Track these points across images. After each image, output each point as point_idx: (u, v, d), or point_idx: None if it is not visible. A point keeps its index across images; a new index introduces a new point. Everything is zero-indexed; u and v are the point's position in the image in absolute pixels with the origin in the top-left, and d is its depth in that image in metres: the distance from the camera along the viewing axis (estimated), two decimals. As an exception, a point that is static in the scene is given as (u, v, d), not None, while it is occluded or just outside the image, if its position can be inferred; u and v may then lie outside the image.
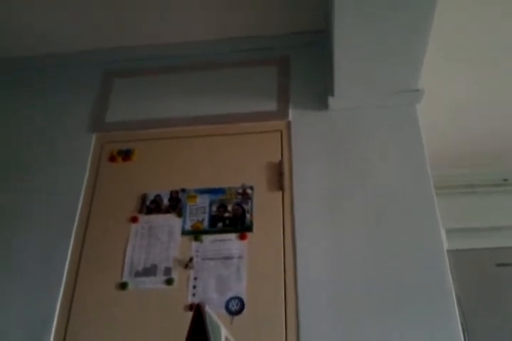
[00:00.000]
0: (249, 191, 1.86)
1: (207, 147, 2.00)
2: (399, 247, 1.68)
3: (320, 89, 2.08)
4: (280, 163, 1.91)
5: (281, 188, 1.85)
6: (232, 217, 1.82)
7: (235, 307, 1.63)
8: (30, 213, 1.94)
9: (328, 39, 1.95)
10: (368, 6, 1.57)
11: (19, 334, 1.69)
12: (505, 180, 3.32)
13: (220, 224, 1.81)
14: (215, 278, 1.70)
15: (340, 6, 1.58)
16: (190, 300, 1.67)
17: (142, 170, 1.98)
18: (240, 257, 1.73)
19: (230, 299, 1.65)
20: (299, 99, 2.07)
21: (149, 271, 1.75)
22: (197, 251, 1.76)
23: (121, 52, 2.32)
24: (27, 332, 1.69)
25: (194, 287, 1.69)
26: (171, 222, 1.84)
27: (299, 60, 2.19)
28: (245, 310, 1.62)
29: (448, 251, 1.70)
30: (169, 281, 1.71)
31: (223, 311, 1.62)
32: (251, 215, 1.81)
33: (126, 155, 2.03)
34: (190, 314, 1.03)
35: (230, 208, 1.84)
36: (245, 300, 1.64)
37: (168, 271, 1.74)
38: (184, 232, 1.81)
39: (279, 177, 1.88)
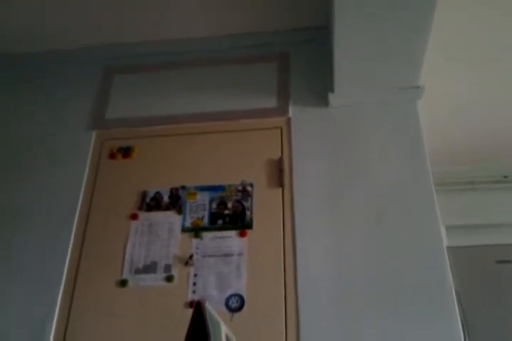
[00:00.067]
0: (249, 188, 1.86)
1: (207, 144, 2.00)
2: (399, 244, 1.68)
3: (320, 86, 2.07)
4: (280, 160, 1.91)
5: (281, 185, 1.85)
6: (232, 214, 1.82)
7: (235, 305, 1.63)
8: (30, 211, 1.94)
9: (329, 36, 1.94)
10: (368, 6, 1.57)
11: (19, 331, 1.69)
12: (505, 176, 3.32)
13: (220, 221, 1.81)
14: (215, 275, 1.70)
15: (340, 6, 1.58)
16: (190, 297, 1.67)
17: (142, 167, 1.98)
18: (240, 254, 1.73)
19: (230, 296, 1.65)
20: (299, 96, 2.07)
21: (149, 268, 1.75)
22: (197, 248, 1.76)
23: (121, 49, 2.32)
24: (27, 330, 1.69)
25: (194, 284, 1.70)
26: (171, 219, 1.84)
27: (299, 56, 2.18)
28: (245, 307, 1.63)
29: (448, 248, 1.70)
30: (169, 278, 1.71)
31: (223, 308, 1.63)
32: (251, 212, 1.81)
33: (126, 152, 2.02)
34: (190, 311, 1.03)
35: (230, 205, 1.84)
36: (245, 297, 1.64)
37: (168, 268, 1.74)
38: (184, 229, 1.81)
39: (279, 174, 1.88)
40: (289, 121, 2.01)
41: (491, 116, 2.80)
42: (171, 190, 1.90)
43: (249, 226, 1.78)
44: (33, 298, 1.75)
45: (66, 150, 2.08)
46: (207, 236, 1.78)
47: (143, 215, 1.86)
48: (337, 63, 1.81)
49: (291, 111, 2.03)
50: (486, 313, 2.64)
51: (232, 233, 1.78)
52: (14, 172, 2.06)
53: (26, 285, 1.78)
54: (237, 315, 1.62)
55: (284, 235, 1.75)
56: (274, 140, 1.97)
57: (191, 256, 1.74)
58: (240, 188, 1.87)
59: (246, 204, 1.83)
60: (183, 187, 1.90)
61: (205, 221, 1.82)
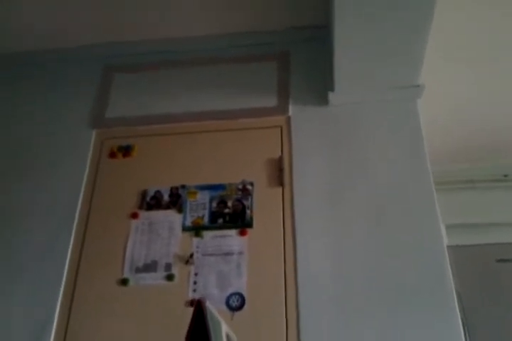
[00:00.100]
0: (249, 187, 1.86)
1: (207, 143, 2.00)
2: (399, 243, 1.68)
3: (320, 85, 2.07)
4: (280, 159, 1.91)
5: (281, 184, 1.85)
6: (232, 212, 1.82)
7: (236, 303, 1.63)
8: (30, 211, 1.93)
9: (329, 34, 1.94)
10: (367, 6, 1.58)
11: (20, 331, 1.69)
12: (505, 175, 3.32)
13: (220, 220, 1.81)
14: (216, 274, 1.70)
15: (340, 6, 1.58)
16: (190, 296, 1.67)
17: (142, 166, 1.98)
18: (241, 253, 1.73)
19: (231, 295, 1.65)
20: (299, 95, 2.07)
21: (150, 267, 1.75)
22: (197, 247, 1.76)
23: (121, 47, 2.31)
24: (28, 329, 1.69)
25: (195, 283, 1.70)
26: (172, 218, 1.84)
27: (299, 55, 2.18)
28: (246, 306, 1.63)
29: (448, 246, 1.69)
30: (170, 277, 1.71)
31: (224, 307, 1.63)
32: (251, 211, 1.81)
33: (126, 151, 2.02)
34: (190, 310, 1.03)
35: (230, 204, 1.84)
36: (246, 296, 1.64)
37: (168, 266, 1.74)
38: (184, 228, 1.81)
39: (279, 172, 1.88)
40: (289, 119, 2.01)
41: (491, 115, 2.80)
42: (171, 188, 1.90)
43: (250, 225, 1.78)
44: (33, 297, 1.75)
45: (66, 149, 2.07)
46: (207, 235, 1.78)
47: (143, 214, 1.86)
48: (337, 62, 1.81)
49: (291, 109, 2.03)
50: (486, 312, 2.64)
51: (233, 232, 1.78)
52: (14, 172, 2.05)
53: (26, 285, 1.78)
54: (237, 313, 1.62)
55: (284, 234, 1.76)
56: (274, 139, 1.97)
57: (192, 255, 1.74)
58: (240, 187, 1.87)
59: (246, 203, 1.83)
60: (183, 186, 1.90)
61: (206, 220, 1.82)
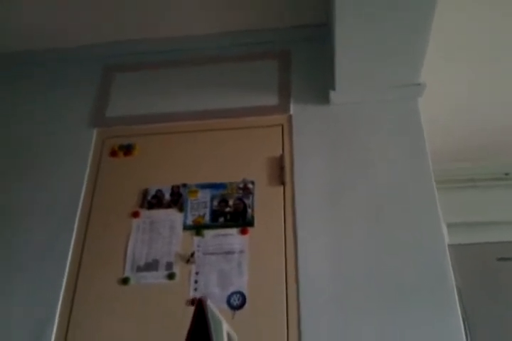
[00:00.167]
0: (250, 186, 1.86)
1: (208, 142, 2.00)
2: (400, 241, 1.68)
3: (321, 84, 2.07)
4: (281, 158, 1.91)
5: (282, 183, 1.85)
6: (233, 211, 1.82)
7: (237, 302, 1.64)
8: (30, 211, 1.93)
9: (329, 33, 1.94)
10: (368, 6, 1.57)
11: (22, 329, 1.69)
12: (506, 174, 3.32)
13: (221, 219, 1.81)
14: (217, 273, 1.70)
15: (341, 6, 1.58)
16: (191, 294, 1.67)
17: (143, 165, 1.98)
18: (242, 252, 1.73)
19: (232, 294, 1.65)
20: (300, 94, 2.06)
21: (151, 266, 1.75)
22: (198, 246, 1.76)
23: (121, 47, 2.31)
24: (28, 329, 1.69)
25: (196, 282, 1.70)
26: (173, 217, 1.84)
27: (299, 54, 2.18)
28: (247, 305, 1.63)
29: (449, 245, 1.69)
30: (171, 276, 1.72)
31: (225, 306, 1.63)
32: (252, 210, 1.81)
33: (127, 150, 2.02)
34: (191, 309, 1.03)
35: (231, 203, 1.84)
36: (247, 295, 1.64)
37: (169, 265, 1.74)
38: (185, 227, 1.81)
39: (280, 171, 1.88)
40: (290, 118, 2.01)
41: (491, 115, 2.80)
42: (172, 187, 1.90)
43: (251, 223, 1.78)
44: (33, 297, 1.75)
45: (67, 148, 2.08)
46: (208, 233, 1.78)
47: (144, 213, 1.86)
48: (338, 62, 1.81)
49: (292, 108, 2.03)
50: (487, 310, 2.63)
51: (234, 230, 1.78)
52: (14, 171, 2.05)
53: (27, 284, 1.78)
54: (238, 312, 1.62)
55: (285, 233, 1.76)
56: (275, 137, 1.97)
57: (193, 254, 1.74)
58: (241, 186, 1.87)
59: (247, 201, 1.83)
60: (185, 185, 1.90)
61: (207, 218, 1.82)
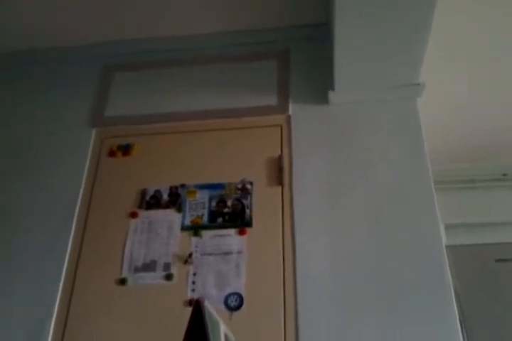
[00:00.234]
0: (248, 186, 1.86)
1: (206, 142, 2.00)
2: (398, 242, 1.67)
3: (320, 84, 2.07)
4: (280, 158, 1.90)
5: (280, 183, 1.85)
6: (231, 212, 1.82)
7: (234, 303, 1.63)
8: (31, 209, 1.93)
9: (329, 33, 1.94)
10: (368, 5, 1.57)
11: (19, 331, 1.69)
12: (504, 174, 3.31)
13: (219, 220, 1.81)
14: (215, 274, 1.70)
15: (341, 6, 1.58)
16: (189, 295, 1.67)
17: (142, 165, 1.98)
18: (240, 252, 1.73)
19: (229, 295, 1.65)
20: (299, 94, 2.06)
21: (149, 267, 1.75)
22: (196, 247, 1.76)
23: (121, 46, 2.31)
24: (26, 329, 1.69)
25: (193, 282, 1.69)
26: (171, 218, 1.84)
27: (299, 53, 2.18)
28: (244, 306, 1.63)
29: (447, 246, 1.69)
30: (169, 277, 1.71)
31: (222, 307, 1.63)
32: (250, 210, 1.81)
33: (125, 150, 2.02)
34: (189, 310, 1.03)
35: (229, 203, 1.84)
36: (244, 296, 1.64)
37: (167, 266, 1.74)
38: (184, 227, 1.81)
39: (278, 172, 1.87)
40: (289, 118, 2.01)
41: (491, 115, 2.80)
42: (171, 188, 1.90)
43: (249, 224, 1.78)
44: (33, 297, 1.75)
45: (66, 148, 2.07)
46: (206, 234, 1.78)
47: (142, 213, 1.86)
48: (337, 62, 1.81)
49: (291, 108, 2.03)
50: (485, 311, 2.64)
51: (232, 231, 1.78)
52: (14, 171, 2.05)
53: (26, 285, 1.78)
54: (236, 313, 1.62)
55: (283, 233, 1.75)
56: (274, 138, 1.97)
57: (190, 255, 1.74)
58: (240, 186, 1.87)
59: (245, 202, 1.83)
60: (183, 186, 1.90)
61: (205, 219, 1.82)
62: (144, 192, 1.90)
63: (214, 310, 1.07)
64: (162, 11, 2.13)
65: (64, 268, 1.78)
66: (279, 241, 1.74)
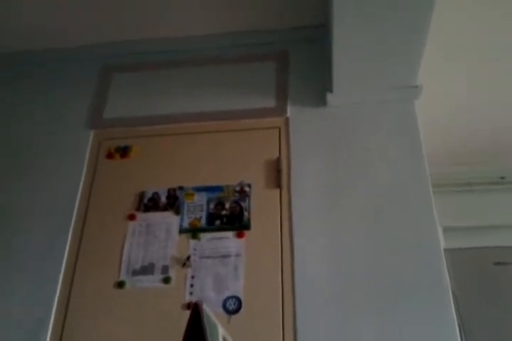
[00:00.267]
0: (246, 188, 1.86)
1: (205, 144, 1.99)
2: (396, 244, 1.68)
3: (318, 86, 2.07)
4: (278, 160, 1.90)
5: (279, 186, 1.85)
6: (229, 214, 1.81)
7: (233, 307, 1.63)
8: (29, 211, 1.92)
9: (328, 34, 1.94)
10: (367, 6, 1.57)
11: (17, 333, 1.68)
12: (502, 178, 3.32)
13: (217, 222, 1.80)
14: (213, 277, 1.69)
15: (340, 6, 1.57)
16: (187, 298, 1.66)
17: (140, 167, 1.97)
18: (238, 255, 1.72)
19: (228, 298, 1.64)
20: (297, 96, 2.06)
21: (147, 270, 1.74)
22: (194, 249, 1.75)
23: (121, 47, 2.31)
24: (24, 330, 1.68)
25: (191, 285, 1.69)
26: (169, 220, 1.83)
27: (298, 55, 2.18)
28: (242, 310, 1.62)
29: (445, 249, 1.70)
30: (166, 280, 1.70)
31: (220, 310, 1.62)
32: (249, 213, 1.80)
33: (124, 152, 2.02)
34: (187, 313, 1.02)
35: (227, 206, 1.83)
36: (243, 300, 1.63)
37: (165, 269, 1.73)
38: (182, 230, 1.80)
39: (276, 174, 1.87)
40: (287, 121, 2.01)
41: (491, 115, 2.80)
42: (169, 190, 1.89)
43: (247, 227, 1.77)
44: (30, 297, 1.74)
45: (64, 149, 2.07)
46: (204, 237, 1.77)
47: (140, 216, 1.85)
48: (336, 63, 1.80)
49: (290, 111, 2.02)
50: (484, 315, 2.64)
51: (230, 234, 1.77)
52: (14, 171, 2.04)
53: (26, 285, 1.77)
54: (234, 317, 1.61)
55: (281, 236, 1.75)
56: (272, 140, 1.97)
57: (189, 258, 1.73)
58: (238, 189, 1.86)
59: (244, 204, 1.82)
60: (181, 188, 1.89)
61: (203, 222, 1.81)
62: (142, 195, 1.89)
63: (212, 313, 1.06)
64: (161, 12, 2.13)
65: (62, 271, 1.77)
66: (277, 244, 1.73)
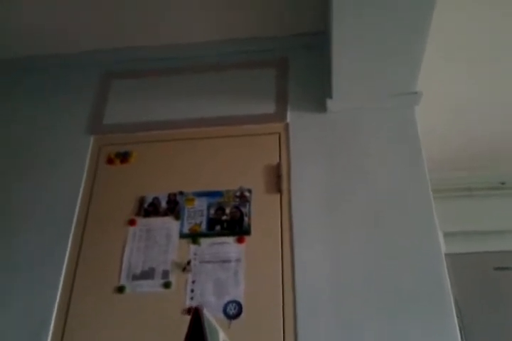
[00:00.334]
0: (247, 194, 1.86)
1: (205, 149, 2.00)
2: (397, 250, 1.67)
3: (318, 92, 2.07)
4: (278, 166, 1.91)
5: (279, 191, 1.85)
6: (230, 219, 1.81)
7: (233, 311, 1.62)
8: (28, 215, 1.93)
9: (327, 41, 1.95)
10: (366, 10, 1.57)
11: (17, 336, 1.68)
12: (502, 183, 3.32)
13: (217, 227, 1.80)
14: (213, 282, 1.69)
15: (339, 10, 1.58)
16: (188, 303, 1.66)
17: (140, 172, 1.97)
18: (238, 260, 1.72)
19: (228, 303, 1.64)
20: (297, 101, 2.07)
21: (147, 274, 1.74)
22: (195, 254, 1.75)
23: (122, 53, 2.32)
24: (25, 334, 1.68)
25: (192, 290, 1.69)
26: (169, 225, 1.83)
27: (297, 61, 2.19)
28: (243, 314, 1.62)
29: (446, 254, 1.69)
30: (167, 285, 1.70)
31: (221, 315, 1.62)
32: (249, 218, 1.80)
33: (124, 157, 2.02)
34: (188, 318, 1.02)
35: (227, 211, 1.83)
36: (243, 304, 1.63)
37: (165, 274, 1.73)
38: (182, 235, 1.80)
39: (277, 179, 1.87)
40: (287, 126, 2.01)
41: (491, 116, 2.79)
42: (169, 195, 1.90)
43: (247, 232, 1.78)
44: (30, 301, 1.74)
45: (64, 155, 2.07)
46: (205, 242, 1.78)
47: (141, 221, 1.85)
48: (335, 64, 1.80)
49: (289, 116, 2.03)
50: (485, 320, 2.63)
51: (230, 239, 1.77)
52: (14, 175, 2.05)
53: (24, 287, 1.77)
54: (234, 322, 1.61)
55: (282, 241, 1.75)
56: (272, 145, 1.97)
57: (189, 262, 1.73)
58: (238, 194, 1.86)
59: (244, 210, 1.83)
60: (181, 193, 1.89)
61: (203, 227, 1.81)
62: (142, 200, 1.90)
63: (213, 318, 1.06)
64: (162, 19, 2.14)
65: (62, 276, 1.77)
66: (277, 249, 1.73)
